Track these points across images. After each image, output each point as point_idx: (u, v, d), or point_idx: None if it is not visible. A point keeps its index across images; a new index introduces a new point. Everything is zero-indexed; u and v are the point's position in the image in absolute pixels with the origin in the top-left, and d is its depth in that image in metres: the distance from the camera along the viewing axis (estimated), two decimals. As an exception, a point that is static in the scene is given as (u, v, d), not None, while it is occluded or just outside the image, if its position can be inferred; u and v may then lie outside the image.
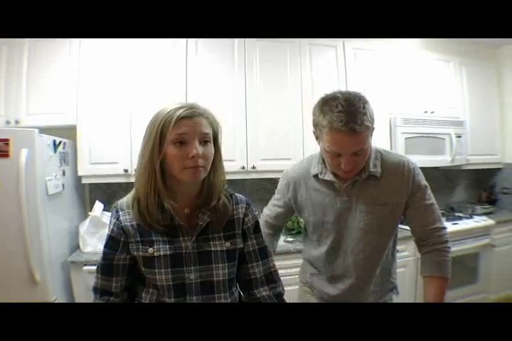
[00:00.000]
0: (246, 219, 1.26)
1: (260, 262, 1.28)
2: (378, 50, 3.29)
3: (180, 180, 1.11)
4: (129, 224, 1.15)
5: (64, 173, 2.51)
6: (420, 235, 1.51)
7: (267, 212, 1.81)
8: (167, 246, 1.13)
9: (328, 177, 1.52)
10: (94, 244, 2.47)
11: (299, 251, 2.64)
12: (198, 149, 1.07)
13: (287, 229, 3.15)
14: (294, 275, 2.59)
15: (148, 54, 2.76)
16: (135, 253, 1.14)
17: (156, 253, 1.12)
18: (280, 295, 1.30)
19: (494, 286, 3.44)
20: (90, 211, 2.60)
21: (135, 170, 1.18)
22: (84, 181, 2.69)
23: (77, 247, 2.55)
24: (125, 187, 2.99)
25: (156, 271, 1.13)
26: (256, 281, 1.27)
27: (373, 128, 1.37)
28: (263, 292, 1.27)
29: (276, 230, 1.79)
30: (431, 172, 3.83)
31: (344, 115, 1.29)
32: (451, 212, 3.78)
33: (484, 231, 3.31)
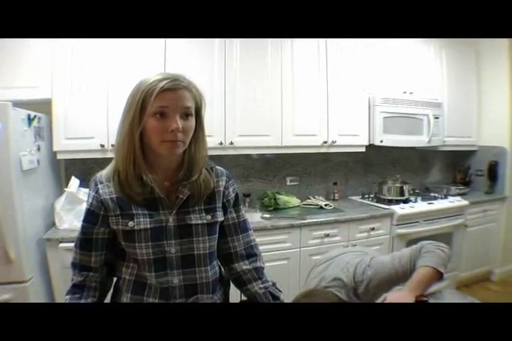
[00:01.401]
0: (226, 192, 1.25)
1: (240, 236, 1.29)
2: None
3: (159, 153, 1.09)
4: (108, 197, 1.12)
5: (39, 149, 2.43)
6: None
7: None
8: (147, 219, 1.11)
9: None
10: (70, 221, 2.42)
11: (275, 228, 2.69)
12: (178, 123, 1.04)
13: (264, 205, 3.17)
14: (272, 251, 2.65)
15: (128, 40, 2.63)
16: (115, 227, 1.12)
17: (136, 227, 1.10)
18: (260, 268, 1.31)
19: (465, 265, 3.56)
20: (66, 187, 2.54)
21: (115, 141, 1.14)
22: (59, 157, 2.60)
23: (53, 224, 2.49)
24: (101, 163, 2.90)
25: (137, 244, 1.11)
26: (236, 255, 1.28)
27: None
28: (243, 266, 1.28)
29: None
30: (407, 152, 3.90)
31: None
32: (427, 192, 3.87)
33: (458, 212, 3.40)
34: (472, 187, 4.01)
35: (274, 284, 1.32)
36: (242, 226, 1.30)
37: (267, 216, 2.89)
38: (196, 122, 1.12)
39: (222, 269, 1.34)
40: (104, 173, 1.16)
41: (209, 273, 1.20)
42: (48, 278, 2.34)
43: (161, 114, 1.04)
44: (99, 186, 1.14)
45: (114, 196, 1.12)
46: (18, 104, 2.20)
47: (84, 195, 2.51)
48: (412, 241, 2.95)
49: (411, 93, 3.50)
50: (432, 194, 3.74)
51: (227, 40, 2.87)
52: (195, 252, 1.16)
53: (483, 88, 3.98)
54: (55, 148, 2.54)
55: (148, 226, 1.11)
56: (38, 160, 2.40)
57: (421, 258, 1.50)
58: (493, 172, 3.85)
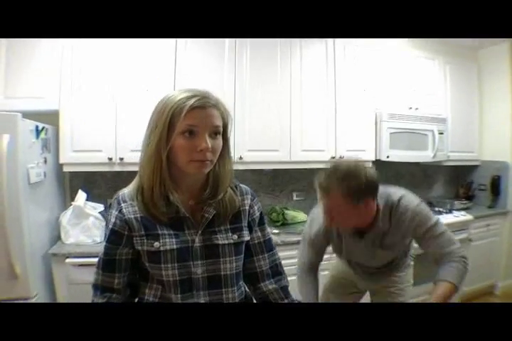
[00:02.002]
0: (252, 211, 1.23)
1: (266, 254, 1.26)
2: (367, 46, 3.28)
3: (185, 171, 1.06)
4: (132, 216, 1.08)
5: (46, 161, 2.38)
6: (438, 255, 1.58)
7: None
8: (173, 239, 1.08)
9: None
10: (76, 235, 2.37)
11: (285, 243, 2.64)
12: (208, 142, 1.01)
13: (272, 221, 3.14)
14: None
15: (137, 43, 2.62)
16: (139, 247, 1.08)
17: (162, 248, 1.06)
18: (285, 288, 1.28)
19: (468, 279, 3.50)
20: (71, 200, 2.49)
21: (139, 159, 1.10)
22: (65, 169, 2.55)
23: (58, 238, 2.43)
24: (108, 177, 2.89)
25: (163, 266, 1.07)
26: (262, 274, 1.25)
27: None
28: (269, 285, 1.25)
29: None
30: (411, 167, 3.90)
31: None
32: (431, 207, 3.82)
33: (462, 226, 3.39)
34: (475, 202, 4.02)
35: (299, 303, 1.31)
36: (268, 245, 1.28)
37: (276, 231, 2.86)
38: (223, 140, 1.10)
39: (247, 288, 1.30)
40: (127, 192, 1.12)
41: (236, 294, 1.17)
42: (53, 295, 2.28)
43: (190, 132, 1.01)
44: (123, 205, 1.10)
45: (138, 215, 1.08)
46: (25, 114, 2.16)
47: (90, 209, 2.46)
48: (417, 256, 2.92)
49: (416, 109, 3.52)
50: (437, 208, 3.72)
51: (237, 52, 2.87)
52: (222, 273, 1.13)
53: (485, 103, 4.02)
54: (61, 161, 2.50)
55: (175, 246, 1.07)
56: (45, 173, 2.35)
57: (445, 270, 1.53)
58: (495, 187, 3.87)
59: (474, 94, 3.99)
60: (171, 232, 1.08)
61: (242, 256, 1.18)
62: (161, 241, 1.07)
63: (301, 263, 1.85)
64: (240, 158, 2.86)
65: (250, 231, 1.22)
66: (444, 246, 1.55)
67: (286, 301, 1.25)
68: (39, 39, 2.43)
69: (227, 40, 2.85)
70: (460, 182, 4.25)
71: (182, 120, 0.99)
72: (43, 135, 2.32)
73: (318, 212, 1.71)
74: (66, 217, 2.41)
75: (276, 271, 1.28)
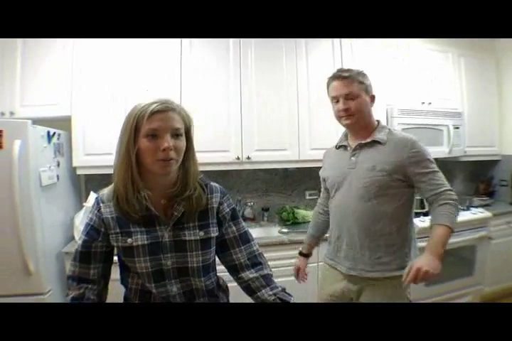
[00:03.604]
0: (221, 208, 1.32)
1: (242, 247, 1.36)
2: (375, 41, 3.24)
3: (153, 172, 1.17)
4: (109, 216, 1.22)
5: (58, 164, 2.51)
6: (430, 197, 1.62)
7: (319, 202, 2.08)
8: (144, 236, 1.20)
9: (343, 142, 1.83)
10: (89, 235, 2.48)
11: (293, 243, 2.66)
12: (170, 142, 1.12)
13: (282, 220, 3.16)
14: (288, 266, 2.61)
15: (144, 47, 2.73)
16: (115, 243, 1.22)
17: (134, 243, 1.19)
18: (267, 276, 1.35)
19: (489, 278, 3.44)
20: (85, 202, 2.60)
21: (114, 162, 1.23)
22: (79, 172, 2.69)
23: (73, 238, 2.56)
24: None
25: (136, 259, 1.20)
26: (241, 266, 1.35)
27: (367, 88, 1.75)
28: (250, 275, 1.33)
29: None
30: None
31: (338, 70, 1.77)
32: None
33: (481, 224, 3.29)
34: (496, 198, 3.90)
35: (283, 289, 1.35)
36: (243, 238, 1.37)
37: (285, 230, 2.89)
38: (187, 142, 1.21)
39: (220, 278, 1.43)
40: (105, 193, 1.25)
41: (203, 283, 1.28)
42: (65, 291, 2.38)
43: (152, 135, 1.12)
44: (101, 205, 1.23)
45: (114, 215, 1.22)
46: (40, 120, 2.29)
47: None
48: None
49: (429, 103, 3.45)
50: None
51: (242, 51, 2.93)
52: (189, 265, 1.24)
53: (504, 95, 3.89)
54: (74, 164, 2.63)
55: (146, 242, 1.20)
56: (58, 176, 2.48)
57: (440, 213, 1.56)
58: (517, 182, 3.74)
59: (492, 86, 3.87)
60: (143, 229, 1.21)
61: (210, 250, 1.28)
62: (133, 237, 1.20)
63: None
64: (248, 157, 2.90)
65: (222, 227, 1.33)
66: (437, 186, 1.60)
67: (268, 288, 1.32)
68: (50, 46, 2.59)
69: (231, 40, 2.91)
70: (480, 177, 4.13)
71: (145, 124, 1.11)
72: (55, 140, 2.45)
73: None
74: (79, 218, 2.53)
75: (255, 261, 1.37)
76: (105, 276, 1.28)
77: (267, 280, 1.34)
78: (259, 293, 1.31)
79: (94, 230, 1.23)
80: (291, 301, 1.32)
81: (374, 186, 1.66)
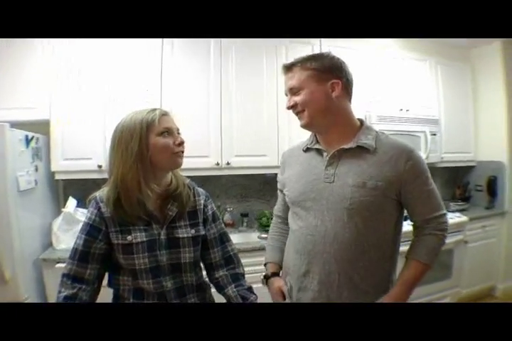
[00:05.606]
0: (206, 209, 1.46)
1: (219, 247, 1.47)
2: (355, 49, 3.30)
3: (162, 169, 1.31)
4: (110, 215, 1.28)
5: (37, 169, 2.46)
6: (420, 222, 1.42)
7: (275, 207, 1.76)
8: (143, 233, 1.29)
9: (314, 145, 1.46)
10: (67, 241, 2.42)
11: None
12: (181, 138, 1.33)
13: (261, 225, 3.17)
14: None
15: (124, 49, 2.71)
16: (115, 241, 1.28)
17: (134, 241, 1.27)
18: (236, 275, 1.47)
19: (466, 281, 3.52)
20: (64, 207, 2.55)
21: (108, 166, 1.33)
22: (57, 177, 2.63)
23: (50, 244, 2.50)
24: (100, 183, 2.94)
25: (135, 256, 1.27)
26: (216, 264, 1.47)
27: (321, 74, 1.38)
28: (221, 272, 1.46)
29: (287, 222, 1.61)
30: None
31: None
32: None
33: (458, 228, 3.37)
34: (472, 203, 4.00)
35: (249, 288, 1.45)
36: (221, 239, 1.49)
37: (264, 236, 2.88)
38: None
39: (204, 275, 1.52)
40: (104, 194, 1.31)
41: (193, 278, 1.38)
42: (43, 299, 2.33)
43: (167, 132, 1.29)
44: (101, 205, 1.30)
45: (113, 215, 1.28)
46: (17, 124, 2.24)
47: (81, 215, 2.52)
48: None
49: (407, 110, 3.53)
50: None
51: (223, 56, 2.93)
52: (182, 261, 1.34)
53: (480, 103, 4.02)
54: (53, 169, 2.58)
55: (144, 239, 1.29)
56: (36, 181, 2.42)
57: (421, 245, 1.39)
58: (492, 187, 3.85)
59: (468, 94, 3.99)
60: (141, 227, 1.30)
61: (199, 247, 1.40)
62: (133, 234, 1.28)
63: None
64: (228, 163, 2.91)
65: (206, 226, 1.44)
66: (430, 210, 1.40)
67: (233, 285, 1.43)
68: (29, 49, 2.54)
69: (212, 44, 2.91)
70: (456, 183, 4.24)
71: (158, 125, 1.27)
72: (33, 144, 2.40)
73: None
74: (57, 223, 2.47)
75: (229, 260, 1.49)
76: (100, 278, 1.32)
77: (235, 278, 1.46)
78: (225, 290, 1.43)
79: (95, 229, 1.29)
80: (251, 298, 1.41)
81: (363, 209, 1.31)
